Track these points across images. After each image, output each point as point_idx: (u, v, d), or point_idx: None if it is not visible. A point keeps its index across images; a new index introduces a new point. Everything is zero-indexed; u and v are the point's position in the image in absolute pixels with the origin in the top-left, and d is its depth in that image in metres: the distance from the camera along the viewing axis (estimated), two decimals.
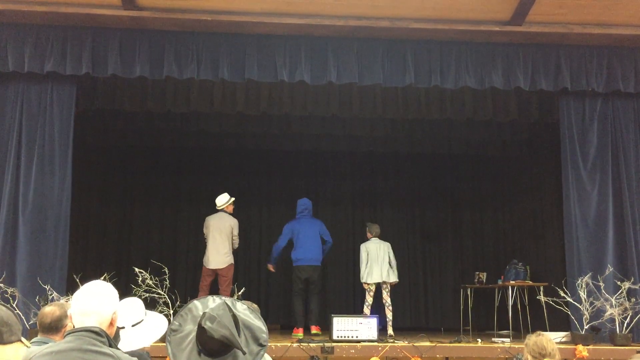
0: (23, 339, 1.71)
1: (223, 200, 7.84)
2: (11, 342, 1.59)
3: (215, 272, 7.67)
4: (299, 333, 7.37)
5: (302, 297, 7.79)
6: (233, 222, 7.81)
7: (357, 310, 9.85)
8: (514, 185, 10.30)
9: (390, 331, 7.40)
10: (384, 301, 7.66)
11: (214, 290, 7.73)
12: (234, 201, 7.93)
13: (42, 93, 6.56)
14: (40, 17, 6.38)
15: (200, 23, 6.45)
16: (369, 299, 7.66)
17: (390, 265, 7.70)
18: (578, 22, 6.64)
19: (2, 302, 1.67)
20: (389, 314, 7.56)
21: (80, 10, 6.31)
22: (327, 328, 7.26)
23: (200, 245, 8.35)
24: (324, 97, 7.74)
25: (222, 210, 7.83)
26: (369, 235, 7.92)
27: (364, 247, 7.82)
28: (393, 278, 7.68)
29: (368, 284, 7.66)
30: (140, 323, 2.93)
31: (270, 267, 8.29)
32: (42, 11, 6.30)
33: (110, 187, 10.12)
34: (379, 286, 7.66)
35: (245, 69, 6.56)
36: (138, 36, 6.53)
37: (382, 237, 8.13)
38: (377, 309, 7.67)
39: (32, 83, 6.56)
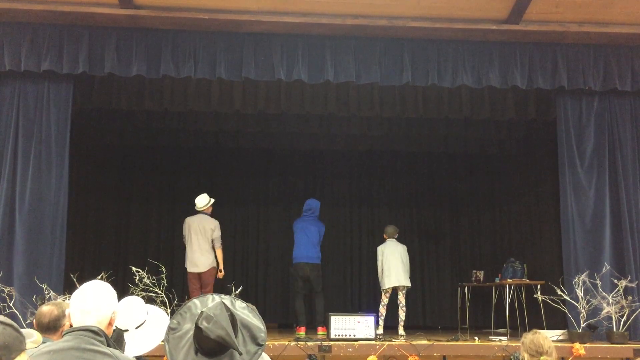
0: (29, 341, 1.71)
1: (203, 201, 7.63)
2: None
3: (199, 275, 7.54)
4: (301, 332, 7.37)
5: (302, 295, 7.76)
6: (214, 224, 7.56)
7: (354, 309, 9.88)
8: (511, 184, 10.32)
9: (401, 331, 7.43)
10: (398, 302, 7.70)
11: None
12: (213, 203, 7.74)
13: (39, 92, 6.54)
14: (36, 16, 6.36)
15: (197, 22, 6.44)
16: (385, 300, 7.71)
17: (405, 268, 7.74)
18: (575, 20, 6.65)
19: (3, 321, 1.66)
20: (402, 314, 7.59)
21: (77, 8, 6.29)
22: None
23: None
24: (321, 96, 7.74)
25: (202, 212, 7.62)
26: (384, 236, 7.95)
27: (380, 250, 7.84)
28: (407, 282, 7.70)
29: (386, 289, 7.68)
30: (143, 324, 2.91)
31: None
32: (38, 10, 6.29)
33: (107, 186, 10.10)
34: (395, 287, 7.70)
35: (242, 68, 6.56)
36: (135, 35, 6.51)
37: (381, 235, 8.15)
38: (391, 308, 7.77)
39: (29, 82, 6.54)
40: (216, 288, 7.58)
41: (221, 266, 7.62)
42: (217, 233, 7.55)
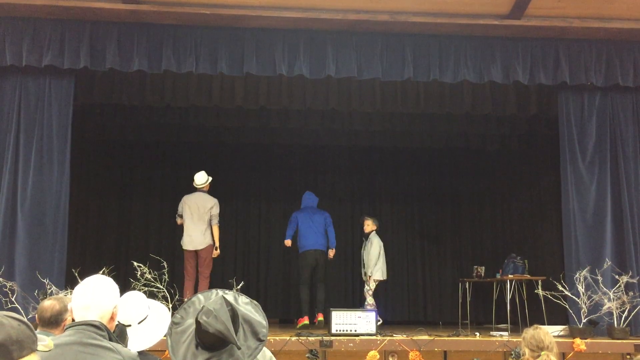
0: (40, 344, 1.71)
1: (202, 179, 7.58)
2: (22, 357, 1.60)
3: (196, 253, 7.52)
4: (305, 321, 7.41)
5: (308, 286, 7.82)
6: (213, 202, 7.50)
7: (355, 304, 9.89)
8: (513, 180, 10.31)
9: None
10: (367, 289, 7.88)
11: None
12: (211, 181, 7.69)
13: (40, 87, 6.54)
14: (38, 11, 6.35)
15: (198, 17, 6.43)
16: (372, 289, 7.81)
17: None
18: (577, 15, 6.63)
19: (16, 316, 1.67)
20: (370, 300, 7.75)
21: (78, 3, 6.28)
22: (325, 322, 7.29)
23: None
24: (322, 92, 7.73)
25: (200, 189, 7.59)
26: (375, 227, 7.97)
27: (378, 241, 7.89)
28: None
29: (377, 280, 7.76)
30: (145, 319, 2.92)
31: (287, 242, 8.05)
32: (40, 4, 6.27)
33: (108, 181, 10.12)
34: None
35: (244, 63, 6.55)
36: (136, 30, 6.51)
37: (381, 230, 8.18)
38: (362, 301, 7.89)
39: (30, 77, 6.54)
40: (217, 284, 7.58)
41: (217, 244, 7.55)
42: (216, 210, 7.50)
